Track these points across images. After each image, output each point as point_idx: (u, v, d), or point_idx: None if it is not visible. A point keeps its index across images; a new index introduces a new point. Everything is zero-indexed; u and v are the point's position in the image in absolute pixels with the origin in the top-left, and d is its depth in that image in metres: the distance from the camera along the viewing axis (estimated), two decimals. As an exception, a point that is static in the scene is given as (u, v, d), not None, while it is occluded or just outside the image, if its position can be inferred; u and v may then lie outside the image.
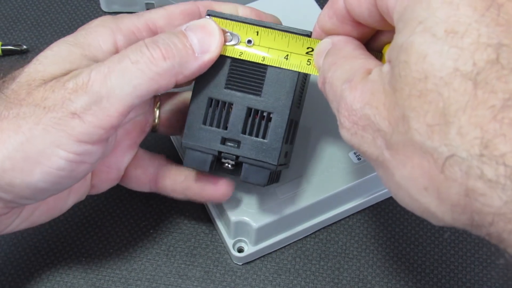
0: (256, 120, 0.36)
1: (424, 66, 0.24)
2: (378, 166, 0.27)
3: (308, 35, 0.35)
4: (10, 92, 0.33)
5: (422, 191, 0.24)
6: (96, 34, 0.36)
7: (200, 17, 0.38)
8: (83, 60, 0.34)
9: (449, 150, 0.23)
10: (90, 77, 0.32)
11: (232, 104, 0.36)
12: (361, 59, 0.30)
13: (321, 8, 0.48)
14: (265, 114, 0.36)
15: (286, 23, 0.46)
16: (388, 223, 0.46)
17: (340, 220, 0.46)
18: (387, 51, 0.27)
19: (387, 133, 0.25)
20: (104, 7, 0.57)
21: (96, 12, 0.57)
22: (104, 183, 0.40)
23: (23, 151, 0.32)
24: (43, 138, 0.32)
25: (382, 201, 0.47)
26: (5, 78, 0.34)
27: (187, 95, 0.41)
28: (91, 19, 0.56)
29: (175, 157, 0.48)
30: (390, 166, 0.26)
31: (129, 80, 0.32)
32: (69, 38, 0.35)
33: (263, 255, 0.45)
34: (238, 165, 0.37)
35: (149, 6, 0.56)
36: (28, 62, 0.35)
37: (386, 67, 0.27)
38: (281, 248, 0.45)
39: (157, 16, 0.38)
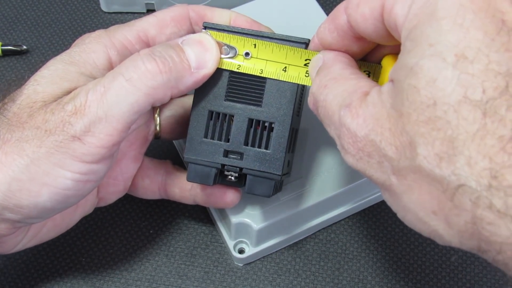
0: (258, 131, 0.36)
1: (433, 91, 0.23)
2: (384, 190, 0.27)
3: (306, 43, 0.35)
4: (12, 115, 0.33)
5: (431, 214, 0.24)
6: (90, 51, 0.36)
7: (191, 23, 0.38)
8: (80, 77, 0.34)
9: (458, 179, 0.23)
10: (87, 98, 0.32)
11: (233, 116, 0.36)
12: (352, 80, 0.30)
13: (322, 7, 0.49)
14: (266, 124, 0.36)
15: (286, 22, 0.46)
16: (388, 223, 0.46)
17: (340, 220, 0.46)
18: (391, 71, 0.26)
19: (394, 159, 0.25)
20: (104, 7, 0.57)
21: (96, 12, 0.57)
22: (112, 196, 0.40)
23: (29, 173, 0.32)
24: (47, 160, 0.32)
25: (382, 201, 0.47)
26: (4, 100, 0.34)
27: (185, 99, 0.41)
28: (91, 19, 0.57)
29: (178, 161, 0.48)
30: (397, 190, 0.26)
31: (125, 98, 0.32)
32: (64, 57, 0.35)
33: (263, 256, 0.45)
34: (241, 176, 0.37)
35: (149, 7, 0.56)
36: (26, 79, 0.35)
37: (386, 86, 0.26)
38: (281, 248, 0.45)
39: (148, 25, 0.37)
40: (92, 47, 0.36)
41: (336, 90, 0.30)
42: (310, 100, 0.32)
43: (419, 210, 0.25)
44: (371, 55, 0.34)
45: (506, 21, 0.23)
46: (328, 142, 0.44)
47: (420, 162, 0.24)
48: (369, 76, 0.34)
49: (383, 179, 0.26)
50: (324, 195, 0.42)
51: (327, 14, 0.34)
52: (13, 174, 0.32)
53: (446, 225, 0.24)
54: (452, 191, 0.23)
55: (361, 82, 0.30)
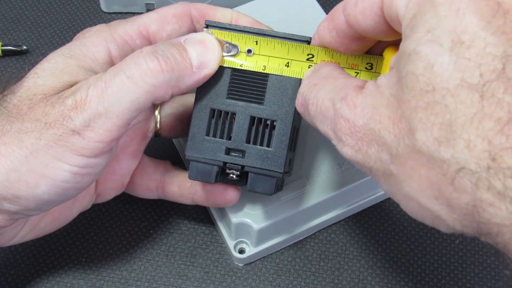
0: (260, 129, 0.36)
1: (431, 77, 0.23)
2: (384, 182, 0.27)
3: (308, 41, 0.35)
4: (12, 107, 0.33)
5: (433, 199, 0.24)
6: (90, 45, 0.36)
7: (192, 21, 0.38)
8: (80, 71, 0.34)
9: (457, 162, 0.23)
10: (88, 93, 0.32)
11: (235, 114, 0.36)
12: (342, 78, 0.30)
13: (322, 6, 0.49)
14: (268, 122, 0.36)
15: (286, 22, 0.46)
16: (388, 223, 0.46)
17: (340, 220, 0.46)
18: (392, 59, 0.27)
19: (392, 146, 0.25)
20: (104, 8, 0.57)
21: (96, 12, 0.57)
22: (110, 192, 0.40)
23: (27, 164, 0.32)
24: (46, 153, 0.32)
25: (382, 201, 0.47)
26: (4, 92, 0.35)
27: (186, 97, 0.41)
28: (91, 19, 0.57)
29: (178, 160, 0.48)
30: (397, 180, 0.26)
31: (125, 95, 0.32)
32: (64, 50, 0.36)
33: (263, 256, 0.45)
34: (242, 175, 0.37)
35: (149, 7, 0.56)
36: (26, 74, 0.35)
37: (384, 77, 0.26)
38: (281, 248, 0.45)
39: (149, 20, 0.37)
40: (92, 41, 0.36)
41: (327, 87, 0.30)
42: (298, 101, 0.32)
43: (420, 197, 0.25)
44: (372, 50, 0.34)
45: (502, 3, 0.23)
46: (329, 142, 0.44)
47: (420, 147, 0.24)
48: (371, 68, 0.34)
49: (382, 170, 0.26)
50: (324, 195, 0.43)
51: (327, 14, 0.34)
52: (11, 165, 0.32)
53: (449, 209, 0.24)
54: (453, 174, 0.23)
55: (352, 79, 0.30)
